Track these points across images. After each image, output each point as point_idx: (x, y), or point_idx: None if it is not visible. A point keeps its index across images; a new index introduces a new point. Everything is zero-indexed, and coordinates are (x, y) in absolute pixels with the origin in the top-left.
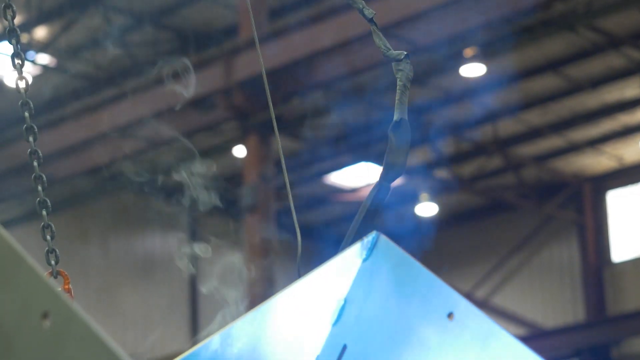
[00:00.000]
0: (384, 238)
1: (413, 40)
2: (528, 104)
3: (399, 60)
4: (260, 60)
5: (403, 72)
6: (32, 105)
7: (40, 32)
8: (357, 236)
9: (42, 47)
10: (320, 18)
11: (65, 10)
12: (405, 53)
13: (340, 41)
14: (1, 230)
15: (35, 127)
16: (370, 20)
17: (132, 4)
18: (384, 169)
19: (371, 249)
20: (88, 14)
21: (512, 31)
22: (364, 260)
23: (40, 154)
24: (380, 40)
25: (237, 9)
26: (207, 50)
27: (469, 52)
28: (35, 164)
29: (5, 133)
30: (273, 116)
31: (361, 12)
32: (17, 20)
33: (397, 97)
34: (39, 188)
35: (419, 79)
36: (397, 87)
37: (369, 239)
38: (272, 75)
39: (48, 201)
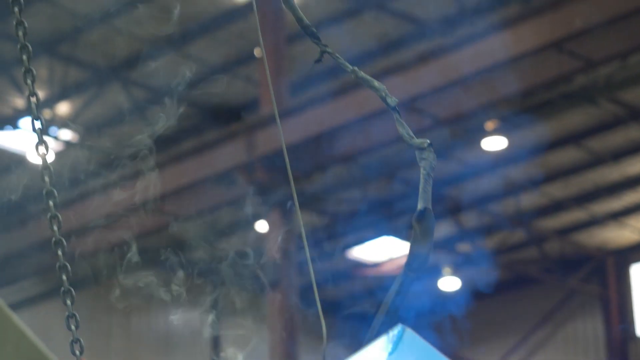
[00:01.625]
0: (409, 331)
1: (434, 114)
2: (550, 177)
3: (422, 149)
4: (281, 135)
5: (426, 161)
6: (56, 195)
7: (63, 108)
8: (383, 328)
9: (65, 123)
10: (342, 92)
11: (87, 86)
12: (428, 142)
13: (361, 115)
14: (28, 333)
15: (59, 216)
16: (393, 109)
17: (153, 79)
18: (408, 259)
19: (397, 343)
20: (110, 89)
21: (533, 104)
22: (390, 353)
23: (65, 243)
24: (403, 129)
25: (258, 83)
26: (228, 125)
27: (490, 125)
28: (59, 252)
29: (28, 208)
30: (294, 191)
31: (384, 100)
32: (40, 95)
33: (420, 187)
34: (64, 277)
35: (441, 153)
36: (421, 176)
37: (394, 332)
38: (293, 149)
39: (72, 291)
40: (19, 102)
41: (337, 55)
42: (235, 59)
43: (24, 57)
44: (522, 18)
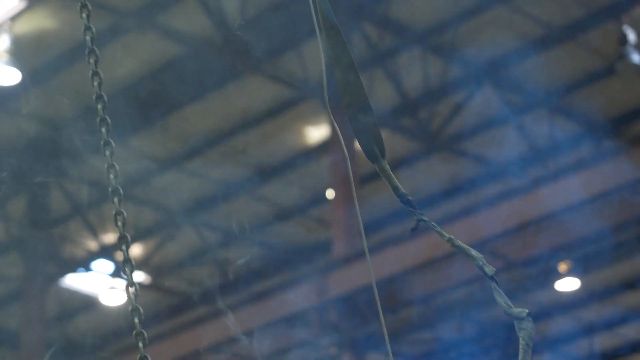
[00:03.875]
0: None
1: (506, 256)
2: (625, 318)
3: (521, 319)
4: (372, 274)
5: (526, 331)
6: None
7: (136, 250)
8: None
9: (138, 265)
10: (413, 235)
11: (160, 228)
12: (527, 311)
13: (433, 257)
14: None
15: (149, 358)
16: (491, 278)
17: (224, 221)
18: None
19: None
20: (183, 231)
21: (607, 245)
22: None
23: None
24: (501, 298)
25: (330, 226)
26: (300, 267)
27: (563, 266)
28: None
29: (101, 351)
30: (385, 330)
31: (481, 269)
32: (113, 238)
33: (520, 357)
34: None
35: (513, 295)
36: (520, 346)
37: None
38: (366, 291)
39: None
40: (92, 245)
41: (434, 223)
42: (307, 201)
43: (115, 199)
44: (594, 160)
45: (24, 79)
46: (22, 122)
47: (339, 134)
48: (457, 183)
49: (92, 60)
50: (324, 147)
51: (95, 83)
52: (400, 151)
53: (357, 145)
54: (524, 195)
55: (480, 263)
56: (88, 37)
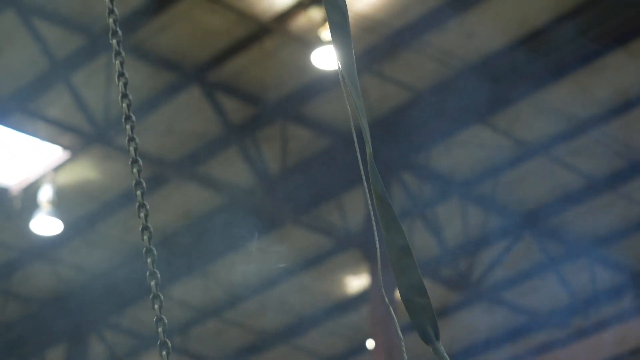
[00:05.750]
0: None
1: None
2: None
3: None
4: None
5: None
6: None
7: None
8: None
9: None
10: None
11: None
12: None
13: None
14: None
15: None
16: None
17: None
18: None
19: None
20: None
21: None
22: None
23: None
24: None
25: None
26: None
27: None
28: None
29: None
30: None
31: None
32: None
33: None
34: None
35: None
36: None
37: None
38: None
39: None
40: None
41: None
42: (345, 351)
43: (164, 353)
44: (636, 311)
45: (65, 229)
46: (63, 272)
47: (382, 287)
48: (497, 333)
49: (142, 215)
50: (363, 296)
51: (146, 237)
52: (441, 301)
53: (397, 296)
54: (565, 346)
55: None
56: (139, 192)
